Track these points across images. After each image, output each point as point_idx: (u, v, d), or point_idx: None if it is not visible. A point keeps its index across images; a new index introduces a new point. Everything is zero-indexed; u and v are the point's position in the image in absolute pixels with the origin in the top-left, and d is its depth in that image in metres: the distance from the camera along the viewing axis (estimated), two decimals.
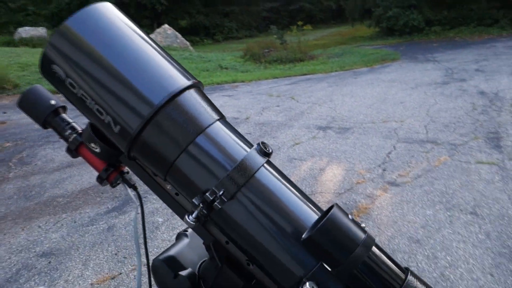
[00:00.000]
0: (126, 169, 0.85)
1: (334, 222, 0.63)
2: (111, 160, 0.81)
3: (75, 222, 3.99)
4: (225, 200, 0.68)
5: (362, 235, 0.63)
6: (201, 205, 0.68)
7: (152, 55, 0.73)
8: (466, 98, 7.33)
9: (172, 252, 0.83)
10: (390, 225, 3.48)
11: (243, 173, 0.69)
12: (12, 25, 21.58)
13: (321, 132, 6.18)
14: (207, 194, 0.68)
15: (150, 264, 0.83)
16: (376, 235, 3.27)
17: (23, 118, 8.20)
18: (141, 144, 0.72)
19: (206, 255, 0.81)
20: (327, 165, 4.92)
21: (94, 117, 0.73)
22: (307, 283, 0.64)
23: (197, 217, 0.68)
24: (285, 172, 0.77)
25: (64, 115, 0.86)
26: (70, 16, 0.72)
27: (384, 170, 4.61)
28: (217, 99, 9.17)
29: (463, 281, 2.70)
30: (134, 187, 0.85)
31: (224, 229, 0.73)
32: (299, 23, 16.89)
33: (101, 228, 3.84)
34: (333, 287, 0.65)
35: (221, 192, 0.68)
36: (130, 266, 3.22)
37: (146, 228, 3.77)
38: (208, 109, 0.74)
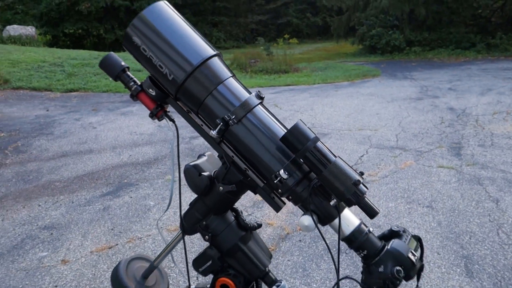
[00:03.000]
0: (168, 110, 1.28)
1: (297, 126, 1.08)
2: (160, 101, 1.24)
3: (72, 202, 4.37)
4: (235, 122, 1.12)
5: (312, 135, 1.07)
6: (221, 123, 1.12)
7: (192, 34, 1.19)
8: (436, 113, 7.93)
9: (197, 162, 1.26)
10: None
11: (246, 107, 1.14)
12: (0, 23, 21.69)
13: None
14: (225, 116, 1.12)
15: (183, 169, 1.24)
16: None
17: (15, 112, 8.51)
18: (184, 89, 1.16)
19: (217, 167, 1.25)
20: None
21: (156, 70, 1.17)
22: (282, 170, 1.10)
23: (218, 131, 1.12)
24: None
25: (128, 73, 1.28)
26: (144, 9, 1.16)
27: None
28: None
29: None
30: (173, 121, 1.27)
31: (232, 143, 1.17)
32: (286, 36, 17.49)
33: (97, 208, 4.22)
34: (296, 173, 1.11)
35: (233, 117, 1.12)
36: (125, 239, 3.62)
37: (139, 211, 4.16)
38: (226, 70, 1.20)
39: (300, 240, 3.54)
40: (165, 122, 1.26)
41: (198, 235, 1.29)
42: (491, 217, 3.81)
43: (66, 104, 9.37)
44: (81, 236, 3.69)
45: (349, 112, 8.32)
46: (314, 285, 2.95)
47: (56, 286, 3.01)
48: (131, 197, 4.46)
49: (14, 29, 19.42)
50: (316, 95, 10.47)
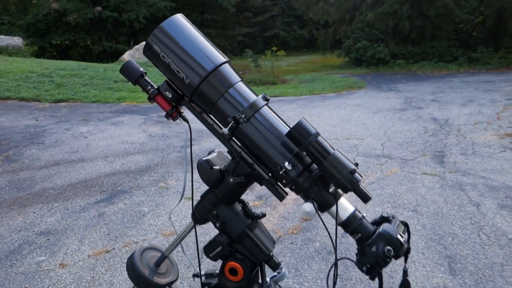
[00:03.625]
0: (182, 111, 1.41)
1: (301, 123, 1.22)
2: (175, 103, 1.38)
3: (67, 209, 4.44)
4: (245, 120, 1.26)
5: (314, 130, 1.22)
6: (232, 122, 1.26)
7: (206, 43, 1.33)
8: (420, 123, 8.17)
9: (208, 157, 1.39)
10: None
11: (254, 108, 1.28)
12: None
13: None
14: (236, 115, 1.26)
15: (196, 164, 1.37)
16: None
17: (4, 122, 8.53)
18: (198, 92, 1.30)
19: (225, 162, 1.39)
20: None
21: (174, 75, 1.30)
22: (286, 163, 1.24)
23: (229, 129, 1.26)
24: None
25: (146, 78, 1.41)
26: (164, 21, 1.30)
27: None
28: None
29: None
30: (186, 121, 1.40)
31: (241, 140, 1.31)
32: (273, 48, 17.73)
33: (92, 214, 4.30)
34: (298, 166, 1.25)
35: (242, 116, 1.26)
36: (121, 243, 3.71)
37: (134, 217, 4.25)
38: (235, 75, 1.34)
39: (291, 243, 3.68)
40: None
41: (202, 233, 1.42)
42: (472, 220, 3.99)
43: (56, 114, 9.41)
44: (78, 241, 3.77)
45: (336, 122, 8.53)
46: (306, 284, 3.08)
47: None
48: (125, 204, 4.55)
49: (1, 40, 19.45)
50: (303, 106, 10.67)
